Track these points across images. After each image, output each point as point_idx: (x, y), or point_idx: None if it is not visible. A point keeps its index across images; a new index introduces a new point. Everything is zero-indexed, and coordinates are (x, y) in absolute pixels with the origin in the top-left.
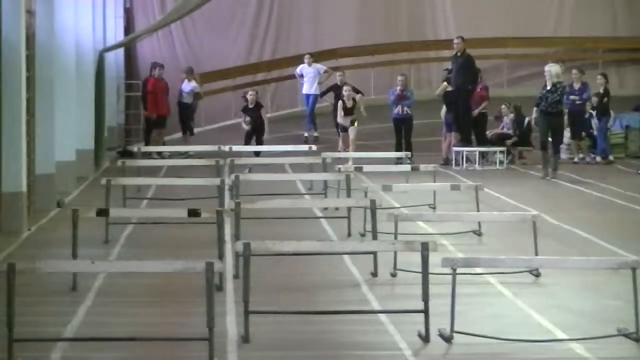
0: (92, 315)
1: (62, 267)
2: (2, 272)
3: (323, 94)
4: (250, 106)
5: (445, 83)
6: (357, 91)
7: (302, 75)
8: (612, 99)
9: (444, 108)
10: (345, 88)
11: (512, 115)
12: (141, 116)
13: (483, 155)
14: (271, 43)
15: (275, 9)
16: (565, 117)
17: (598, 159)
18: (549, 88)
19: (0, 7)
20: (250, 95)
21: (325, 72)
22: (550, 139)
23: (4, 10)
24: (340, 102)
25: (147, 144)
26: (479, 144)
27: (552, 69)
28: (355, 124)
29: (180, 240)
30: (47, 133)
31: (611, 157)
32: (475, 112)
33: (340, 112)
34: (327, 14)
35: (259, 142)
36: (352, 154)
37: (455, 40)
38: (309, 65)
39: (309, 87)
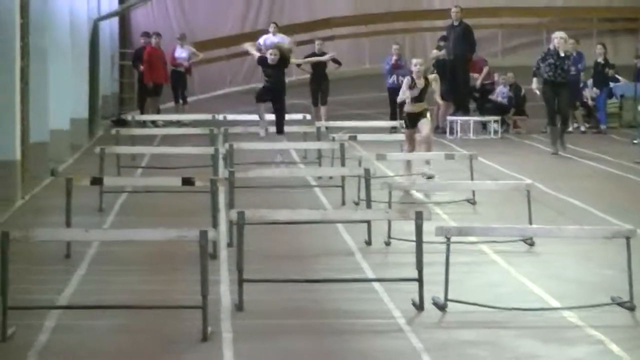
0: (85, 283)
1: (56, 236)
2: None
3: (300, 64)
4: (272, 63)
5: (435, 51)
6: (336, 61)
7: (265, 46)
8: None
9: None
10: (414, 61)
11: (507, 85)
12: (135, 85)
13: (484, 125)
14: (265, 12)
15: None
16: None
17: (603, 127)
18: (562, 55)
19: None
20: (272, 55)
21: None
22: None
23: None
24: (407, 80)
25: (141, 112)
26: (481, 114)
27: (566, 36)
28: (427, 115)
29: (174, 208)
30: (41, 101)
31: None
32: (478, 83)
33: (406, 95)
34: None
35: (278, 111)
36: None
37: (454, 9)
38: (274, 35)
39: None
